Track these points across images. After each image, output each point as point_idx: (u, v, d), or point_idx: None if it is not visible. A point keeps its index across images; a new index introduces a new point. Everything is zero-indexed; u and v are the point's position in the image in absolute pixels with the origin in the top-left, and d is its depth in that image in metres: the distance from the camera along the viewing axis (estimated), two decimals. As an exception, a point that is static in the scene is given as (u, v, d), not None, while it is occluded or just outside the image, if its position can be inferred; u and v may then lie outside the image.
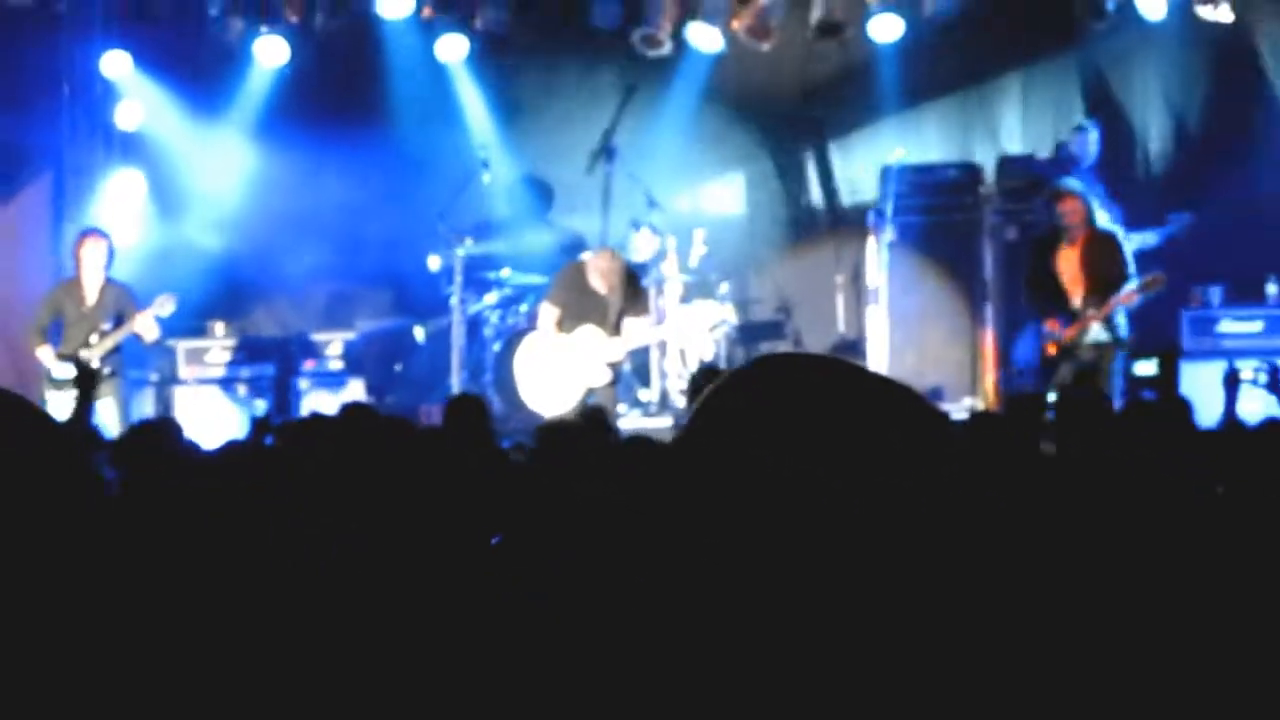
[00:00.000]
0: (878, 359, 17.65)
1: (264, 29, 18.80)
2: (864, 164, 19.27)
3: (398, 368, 19.37)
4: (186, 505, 6.32)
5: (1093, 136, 17.38)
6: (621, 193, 18.81)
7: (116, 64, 19.23)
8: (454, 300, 17.74)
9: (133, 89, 19.53)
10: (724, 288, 18.45)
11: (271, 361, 18.97)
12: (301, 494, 6.54)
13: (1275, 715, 3.25)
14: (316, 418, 11.50)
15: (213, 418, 17.56)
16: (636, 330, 16.35)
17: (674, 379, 17.26)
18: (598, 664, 2.64)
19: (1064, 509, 5.73)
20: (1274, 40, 18.29)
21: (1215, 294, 17.35)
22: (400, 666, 3.88)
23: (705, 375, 13.34)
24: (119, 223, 18.52)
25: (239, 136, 19.69)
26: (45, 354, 16.25)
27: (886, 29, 18.15)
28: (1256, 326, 17.07)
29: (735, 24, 18.49)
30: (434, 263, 18.13)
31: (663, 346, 17.65)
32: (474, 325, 18.15)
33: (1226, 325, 17.13)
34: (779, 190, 20.33)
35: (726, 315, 18.23)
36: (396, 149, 19.59)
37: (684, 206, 19.43)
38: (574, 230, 19.75)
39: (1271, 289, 17.34)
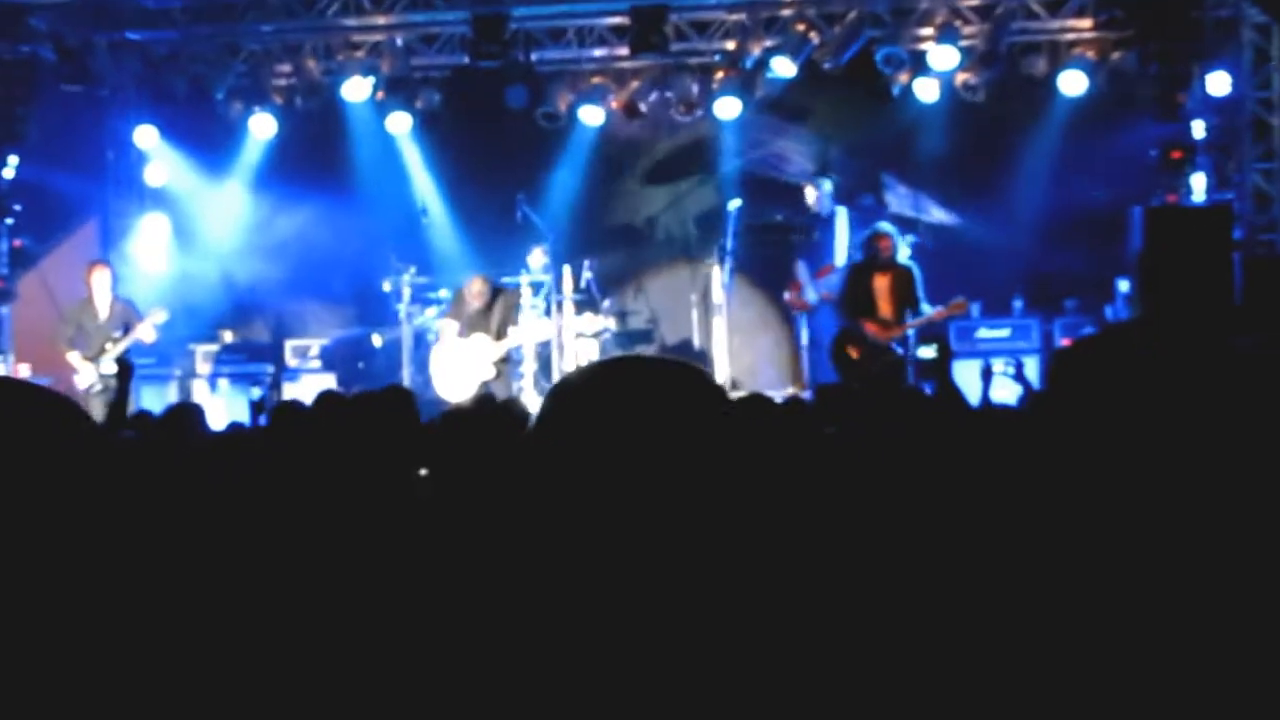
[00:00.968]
0: (721, 358, 18.85)
1: (257, 109, 20.34)
2: (710, 210, 20.61)
3: (360, 365, 20.33)
4: (204, 468, 7.56)
5: (826, 188, 19.02)
6: (527, 231, 19.50)
7: (146, 135, 21.06)
8: (402, 314, 19.04)
9: (159, 154, 21.35)
10: (606, 303, 19.60)
11: (266, 360, 20.50)
12: (288, 456, 7.56)
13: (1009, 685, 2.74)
14: (298, 403, 11.72)
15: (219, 404, 19.04)
16: (513, 335, 17.70)
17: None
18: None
19: (842, 476, 5.95)
20: (1014, 116, 19.55)
21: (975, 308, 18.66)
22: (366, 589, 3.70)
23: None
24: (149, 256, 20.45)
25: (239, 190, 21.38)
26: (74, 357, 17.59)
27: (727, 108, 19.41)
28: (1006, 333, 18.69)
29: (614, 104, 20.04)
30: (387, 285, 19.42)
31: (560, 349, 18.67)
32: (419, 334, 19.20)
33: (983, 332, 18.68)
34: (648, 228, 21.67)
35: (608, 324, 19.42)
36: (357, 199, 21.05)
37: (576, 240, 20.13)
38: (492, 260, 20.11)
39: (1017, 304, 19.16)
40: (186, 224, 21.68)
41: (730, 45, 19.36)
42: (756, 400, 8.65)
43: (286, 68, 20.44)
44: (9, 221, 20.28)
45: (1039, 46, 18.96)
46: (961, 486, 5.01)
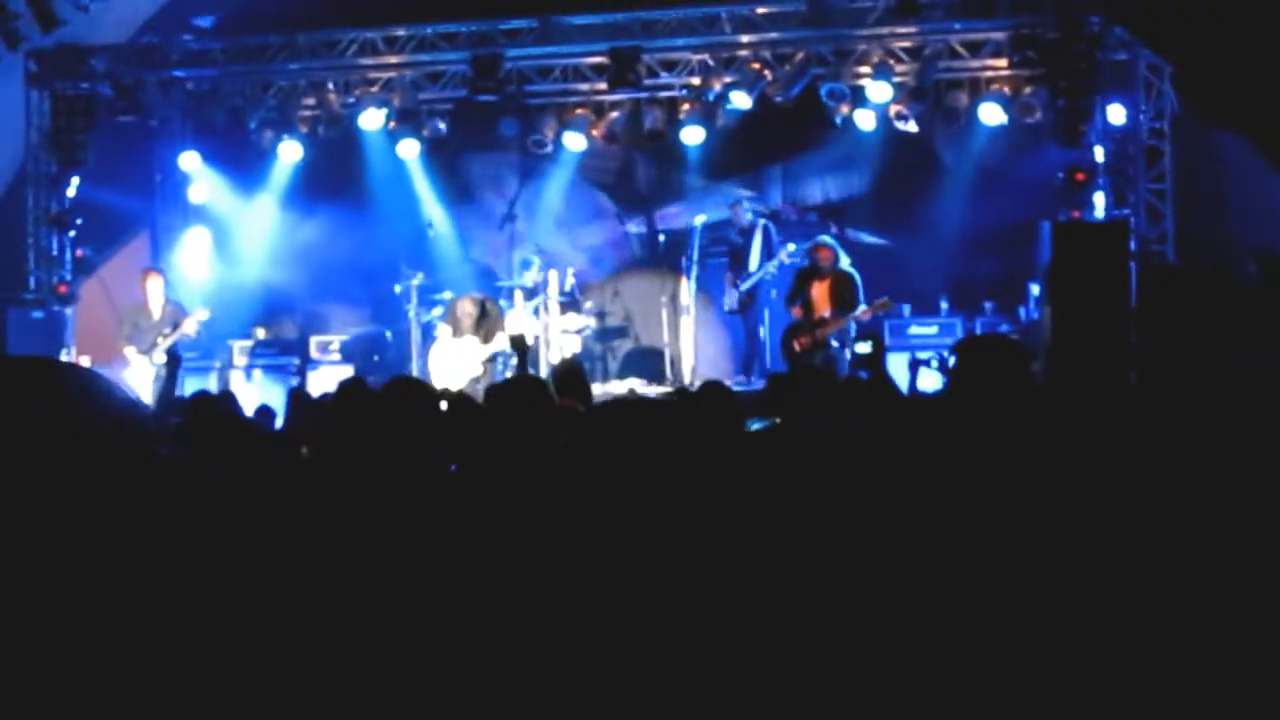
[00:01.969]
0: (687, 352, 18.97)
1: (286, 137, 20.21)
2: (678, 224, 20.59)
3: (375, 358, 20.24)
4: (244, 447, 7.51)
5: (746, 207, 18.89)
6: (519, 242, 20.08)
7: (190, 160, 21.03)
8: (411, 314, 18.94)
9: (200, 176, 21.23)
10: (587, 304, 19.80)
11: (293, 354, 20.31)
12: (317, 435, 7.54)
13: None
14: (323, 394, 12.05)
15: (255, 391, 18.88)
16: (499, 339, 17.52)
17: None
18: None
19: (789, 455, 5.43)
20: (940, 143, 19.86)
21: (905, 308, 18.88)
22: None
23: (563, 364, 13.19)
24: (193, 264, 20.31)
25: (270, 207, 21.40)
26: (130, 351, 17.74)
27: (693, 135, 19.45)
28: (933, 330, 18.50)
29: (594, 132, 19.90)
30: (398, 289, 19.20)
31: (547, 344, 18.60)
32: (425, 331, 19.00)
33: (914, 329, 18.58)
34: (624, 240, 21.65)
35: (589, 323, 19.69)
36: (372, 214, 21.20)
37: (561, 250, 20.36)
38: (488, 267, 21.11)
39: (943, 305, 19.14)
40: (225, 236, 21.75)
41: (695, 81, 19.34)
42: (715, 386, 8.83)
43: (311, 101, 20.39)
44: (71, 234, 20.40)
45: (961, 83, 18.93)
46: (894, 464, 4.84)
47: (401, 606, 3.00)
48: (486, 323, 17.97)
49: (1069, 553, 3.14)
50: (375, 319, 21.20)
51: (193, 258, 20.82)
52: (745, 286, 18.38)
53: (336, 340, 20.74)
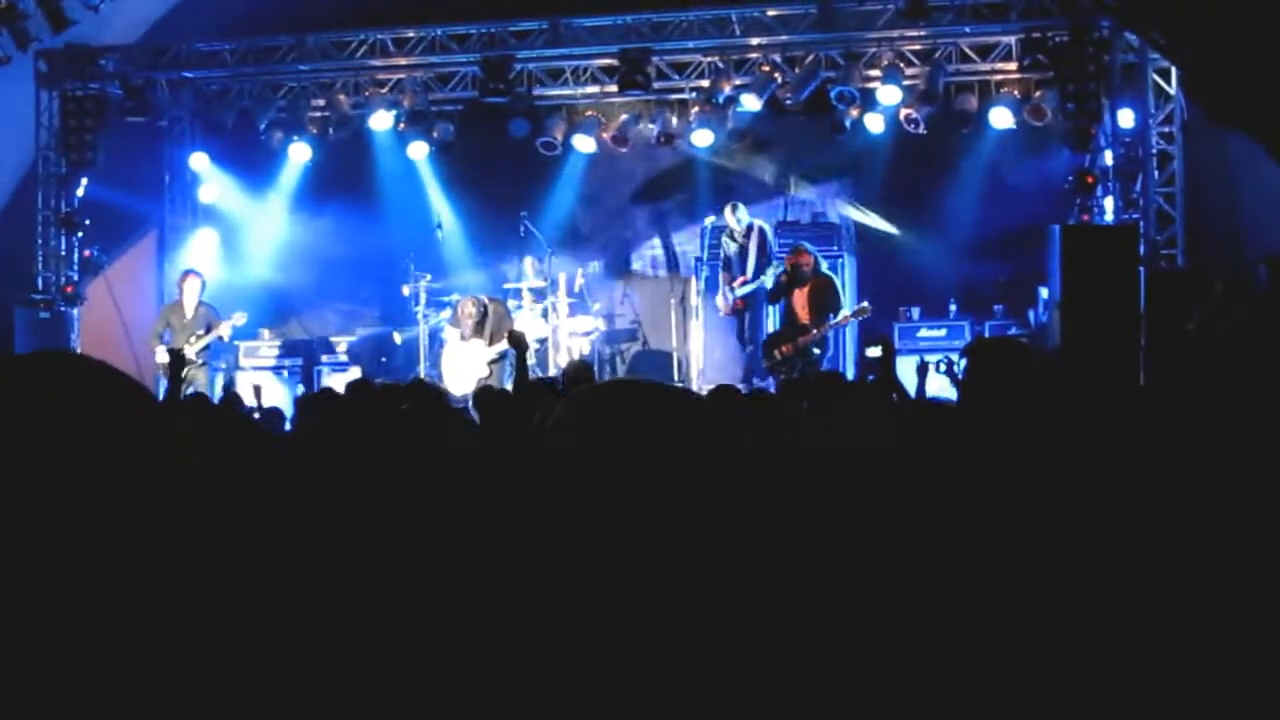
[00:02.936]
0: (695, 355, 18.74)
1: (295, 138, 20.36)
2: (687, 227, 20.69)
3: (383, 360, 20.16)
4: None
5: (741, 214, 18.49)
6: (528, 244, 19.65)
7: (199, 160, 21.21)
8: (419, 315, 18.97)
9: (209, 176, 21.35)
10: (596, 306, 19.75)
11: (301, 356, 20.48)
12: (325, 435, 7.48)
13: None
14: (331, 391, 12.04)
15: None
16: (503, 342, 16.94)
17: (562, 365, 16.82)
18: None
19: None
20: (949, 145, 19.44)
21: (915, 311, 18.96)
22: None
23: (572, 365, 13.10)
24: (201, 265, 19.83)
25: (279, 208, 21.44)
26: (160, 351, 17.73)
27: (702, 138, 19.53)
28: (942, 333, 18.53)
29: (603, 134, 20.09)
30: (406, 290, 19.19)
31: (556, 346, 18.78)
32: (433, 332, 19.08)
33: (923, 332, 18.59)
34: (634, 242, 21.48)
35: (598, 325, 19.57)
36: (381, 215, 21.04)
37: (570, 251, 20.28)
38: (497, 268, 20.86)
39: (952, 308, 19.02)
40: (233, 237, 21.75)
41: (705, 83, 19.42)
42: (723, 390, 8.90)
43: (321, 102, 20.51)
44: (79, 234, 20.46)
45: (971, 86, 19.12)
46: (910, 469, 4.75)
47: (403, 606, 2.97)
48: (489, 324, 18.02)
49: (1080, 556, 3.15)
50: (384, 320, 21.22)
51: (201, 258, 20.68)
52: (741, 292, 18.30)
53: (344, 342, 20.87)
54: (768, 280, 18.18)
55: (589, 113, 20.25)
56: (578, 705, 2.23)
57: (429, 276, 19.32)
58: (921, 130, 19.21)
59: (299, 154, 20.71)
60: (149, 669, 2.12)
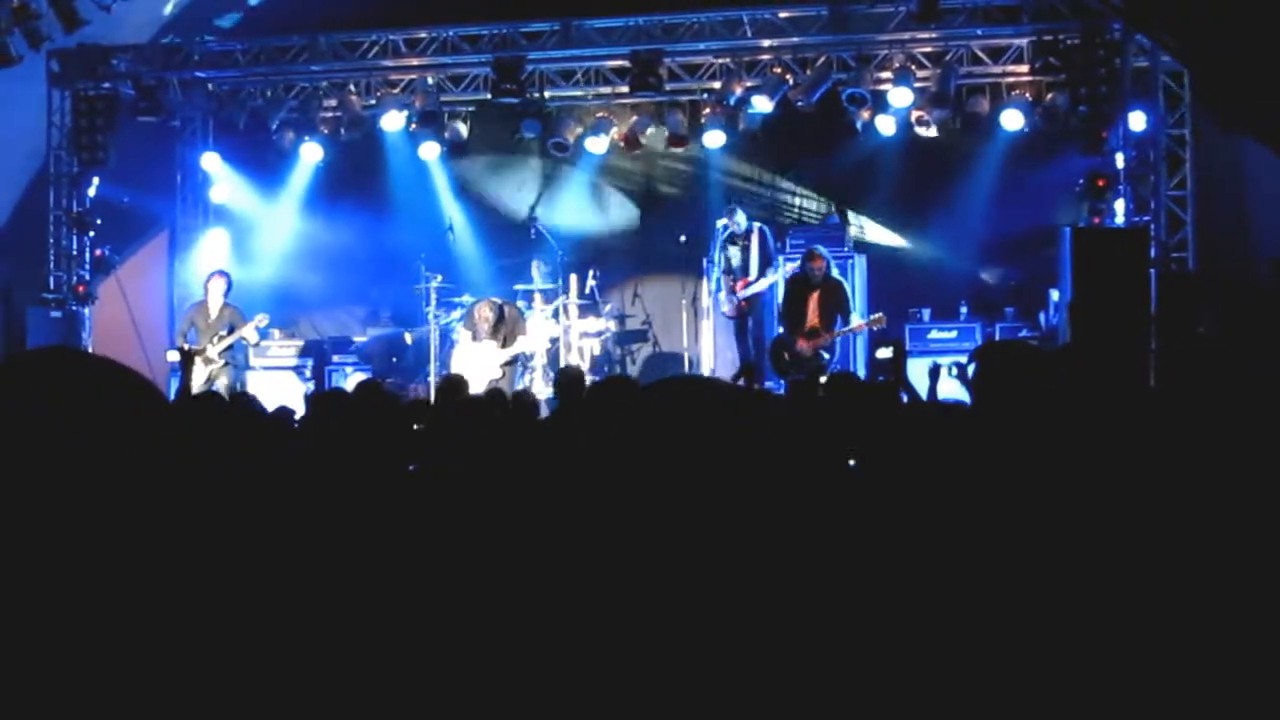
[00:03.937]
0: (707, 354, 19.15)
1: (307, 138, 20.47)
2: (698, 228, 19.85)
3: (394, 360, 20.27)
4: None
5: (740, 216, 18.63)
6: (539, 245, 19.79)
7: (211, 160, 21.28)
8: (430, 316, 18.98)
9: (221, 176, 21.43)
10: (607, 307, 19.94)
11: (312, 355, 20.46)
12: (334, 436, 7.21)
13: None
14: (342, 391, 12.49)
15: (271, 392, 17.84)
16: (520, 343, 17.84)
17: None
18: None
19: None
20: (961, 148, 19.57)
21: (926, 313, 19.06)
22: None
23: (563, 373, 13.79)
24: (212, 265, 19.84)
25: (290, 208, 21.55)
26: (172, 353, 17.87)
27: (713, 140, 19.63)
28: (953, 334, 18.63)
29: (615, 135, 20.17)
30: (418, 290, 19.25)
31: (567, 347, 18.90)
32: (444, 333, 19.12)
33: (934, 334, 18.68)
34: (645, 243, 21.46)
35: (609, 326, 19.75)
36: (392, 216, 21.31)
37: (581, 253, 20.22)
38: (508, 269, 20.66)
39: (963, 310, 19.12)
40: (244, 237, 21.85)
41: (716, 85, 19.47)
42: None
43: (333, 102, 20.58)
44: (91, 234, 20.53)
45: (983, 88, 19.10)
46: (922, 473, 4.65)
47: (406, 606, 2.96)
48: (504, 327, 18.06)
49: (1089, 559, 3.16)
50: (395, 321, 21.30)
51: (212, 258, 20.73)
52: (745, 294, 18.36)
53: (355, 342, 20.93)
54: (774, 280, 18.35)
55: (600, 114, 20.27)
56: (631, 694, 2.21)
57: (440, 277, 19.35)
58: (933, 132, 19.30)
59: (311, 154, 20.81)
60: (153, 659, 2.13)
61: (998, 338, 18.04)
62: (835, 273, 17.83)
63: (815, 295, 17.41)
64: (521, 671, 2.28)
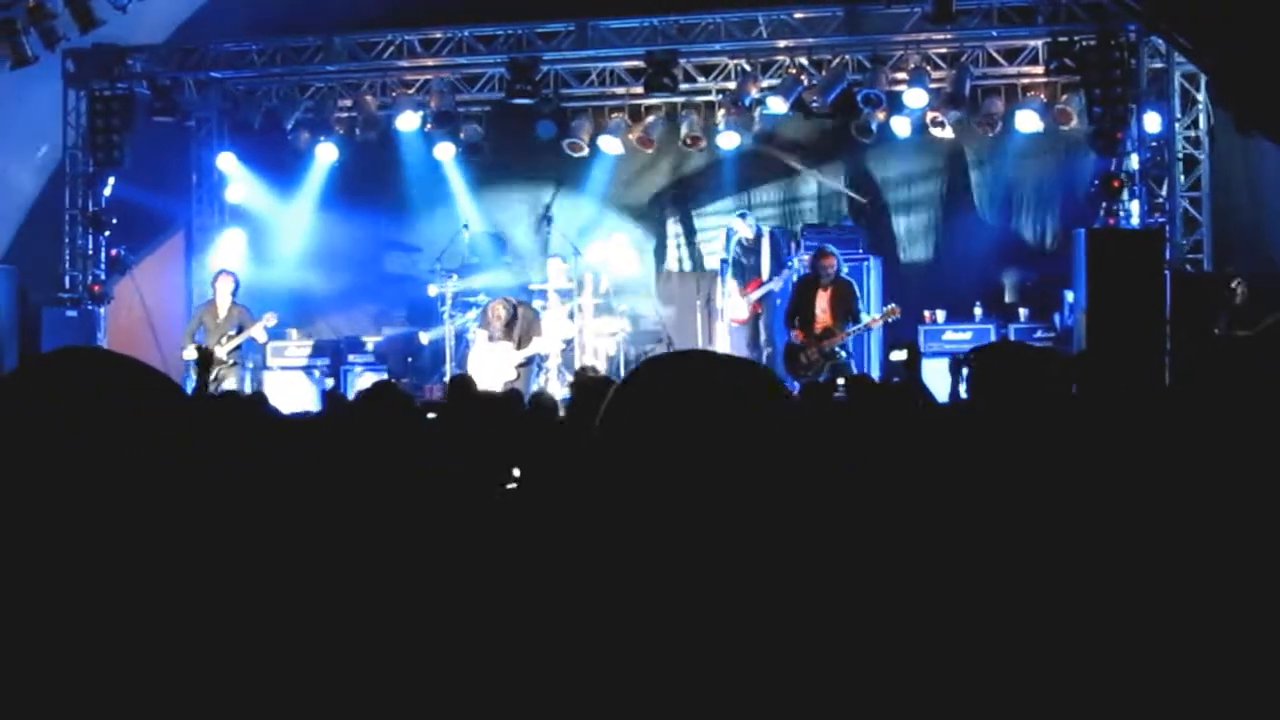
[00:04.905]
0: None
1: (322, 138, 20.58)
2: (713, 229, 20.63)
3: (409, 360, 20.49)
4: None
5: (750, 220, 18.75)
6: (555, 245, 20.20)
7: (227, 161, 21.26)
8: (446, 316, 19.07)
9: (237, 176, 21.40)
10: (622, 307, 19.98)
11: (328, 355, 20.41)
12: (350, 436, 7.02)
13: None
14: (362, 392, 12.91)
15: (287, 392, 18.87)
16: (535, 344, 17.97)
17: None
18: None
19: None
20: (976, 150, 19.98)
21: (941, 314, 19.01)
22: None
23: (578, 374, 13.99)
24: (228, 265, 19.75)
25: (306, 208, 21.54)
26: (189, 351, 17.81)
27: (729, 140, 19.70)
28: (968, 335, 18.44)
29: (630, 136, 20.21)
30: (433, 291, 19.33)
31: (582, 347, 18.85)
32: (459, 333, 19.15)
33: (949, 335, 18.67)
34: (660, 243, 21.58)
35: (624, 326, 19.72)
36: (407, 216, 21.61)
37: (597, 254, 20.05)
38: (523, 270, 20.99)
39: (977, 311, 19.08)
40: (260, 237, 21.87)
41: (731, 86, 19.53)
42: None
43: (348, 103, 20.71)
44: (107, 234, 20.57)
45: (998, 89, 19.22)
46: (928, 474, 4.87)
47: (411, 605, 2.91)
48: (518, 326, 18.12)
49: (1098, 561, 3.14)
50: (410, 321, 21.35)
51: (228, 258, 20.67)
52: (756, 295, 18.42)
53: (371, 342, 20.93)
54: (786, 278, 18.38)
55: (615, 114, 20.34)
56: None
57: (455, 277, 19.45)
58: (948, 133, 19.45)
59: (326, 154, 20.89)
60: (164, 654, 2.14)
61: (1012, 338, 17.94)
62: (845, 272, 17.72)
63: (826, 295, 17.35)
64: (524, 671, 2.27)
